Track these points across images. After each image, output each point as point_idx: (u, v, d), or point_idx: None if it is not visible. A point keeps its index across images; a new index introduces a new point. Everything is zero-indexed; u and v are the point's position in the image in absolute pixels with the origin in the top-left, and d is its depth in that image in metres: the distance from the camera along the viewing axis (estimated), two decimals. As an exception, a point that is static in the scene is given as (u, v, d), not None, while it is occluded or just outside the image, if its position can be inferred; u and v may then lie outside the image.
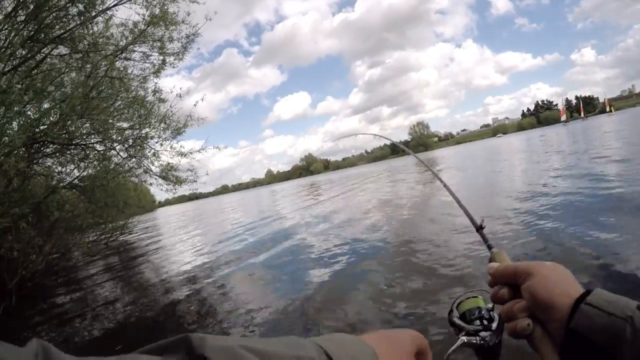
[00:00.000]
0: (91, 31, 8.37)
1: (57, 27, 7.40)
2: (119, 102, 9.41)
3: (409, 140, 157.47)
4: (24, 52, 7.05)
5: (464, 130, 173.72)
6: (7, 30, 6.53)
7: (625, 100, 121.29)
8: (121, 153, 10.08)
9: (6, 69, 6.58)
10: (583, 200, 6.95)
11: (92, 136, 9.08)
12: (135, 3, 8.70)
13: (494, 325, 0.82)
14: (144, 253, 13.13)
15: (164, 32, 9.57)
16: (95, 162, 9.90)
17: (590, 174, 9.45)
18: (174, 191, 11.48)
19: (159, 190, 11.84)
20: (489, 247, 0.85)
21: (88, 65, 8.07)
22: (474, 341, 0.82)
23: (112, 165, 10.22)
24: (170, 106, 10.32)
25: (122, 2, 8.52)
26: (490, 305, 0.87)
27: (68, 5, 7.16)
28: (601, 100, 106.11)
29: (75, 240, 11.75)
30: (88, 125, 8.44)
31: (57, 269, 10.31)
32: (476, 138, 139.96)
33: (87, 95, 7.43)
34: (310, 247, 7.96)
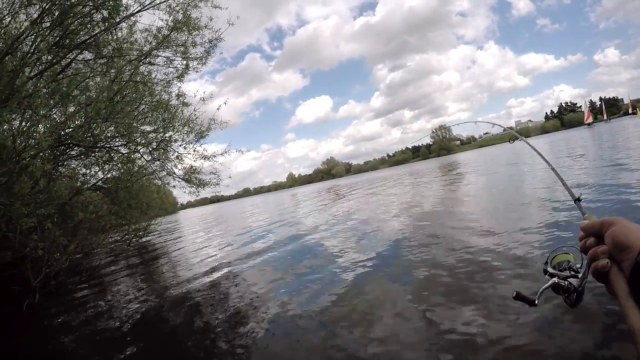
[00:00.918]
0: (115, 37, 8.58)
1: (82, 33, 7.59)
2: (143, 105, 9.62)
3: (431, 143, 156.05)
4: (49, 58, 7.25)
5: (486, 133, 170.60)
6: (33, 36, 6.74)
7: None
8: (145, 156, 10.27)
9: (32, 74, 6.79)
10: None
11: (117, 139, 9.26)
12: (158, 9, 8.89)
13: (580, 275, 1.03)
14: (165, 254, 13.32)
15: (187, 37, 9.75)
16: (119, 165, 10.11)
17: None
18: (196, 194, 11.63)
19: (181, 193, 12.00)
20: (583, 214, 1.06)
21: (112, 70, 8.27)
22: (563, 284, 1.04)
23: (136, 168, 10.41)
24: (194, 110, 10.49)
25: (146, 8, 8.71)
26: (577, 262, 1.10)
27: (92, 11, 7.35)
28: (625, 101, 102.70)
29: (98, 241, 11.97)
30: (112, 128, 8.61)
31: (81, 268, 10.52)
32: (499, 141, 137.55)
33: (112, 99, 7.60)
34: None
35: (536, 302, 1.06)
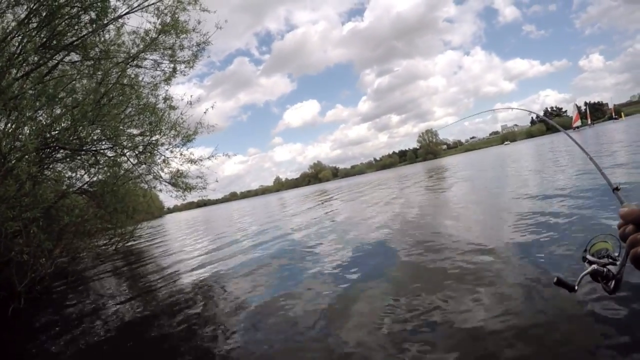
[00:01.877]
0: (103, 39, 8.51)
1: (69, 34, 7.51)
2: (130, 109, 9.54)
3: (418, 147, 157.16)
4: (36, 59, 7.16)
5: (472, 137, 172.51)
6: (20, 37, 6.66)
7: (636, 106, 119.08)
8: (131, 159, 10.17)
9: (19, 75, 6.70)
10: None
11: (103, 142, 9.17)
12: (146, 11, 8.84)
13: (618, 262, 1.05)
14: (152, 258, 13.18)
15: (175, 40, 9.69)
16: (105, 168, 10.01)
17: None
18: (183, 198, 11.53)
19: (168, 197, 11.88)
20: (621, 203, 1.06)
21: (99, 73, 8.19)
22: (602, 271, 1.07)
23: (122, 171, 10.32)
24: (181, 113, 10.43)
25: (134, 10, 8.65)
26: (615, 249, 1.14)
27: (80, 13, 7.28)
28: (610, 106, 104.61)
29: (84, 245, 11.82)
30: (99, 131, 8.52)
31: (66, 272, 10.37)
32: (485, 145, 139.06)
33: (99, 101, 7.54)
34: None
35: (576, 287, 1.11)
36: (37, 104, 6.42)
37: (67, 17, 7.14)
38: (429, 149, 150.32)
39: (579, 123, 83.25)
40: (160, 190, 11.68)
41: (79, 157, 9.50)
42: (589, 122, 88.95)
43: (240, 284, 6.80)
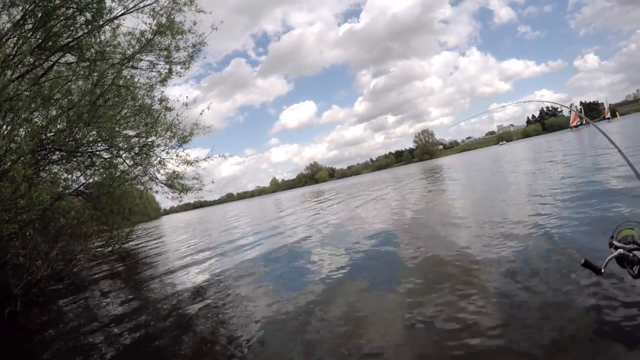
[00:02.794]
0: (98, 40, 8.44)
1: (64, 35, 7.47)
2: (126, 110, 9.50)
3: (414, 148, 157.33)
4: (31, 60, 7.12)
5: (469, 137, 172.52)
6: (15, 38, 6.62)
7: (631, 105, 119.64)
8: (127, 161, 10.14)
9: (14, 77, 6.66)
10: None
11: (99, 144, 9.12)
12: (142, 12, 8.80)
13: None
14: (148, 260, 13.16)
15: (171, 41, 9.66)
16: (101, 170, 9.94)
17: None
18: (179, 199, 11.50)
19: (164, 198, 11.86)
20: None
21: (95, 74, 8.15)
22: (627, 255, 1.15)
23: (118, 173, 10.26)
24: (177, 115, 10.40)
25: (130, 11, 8.61)
26: None
27: (76, 14, 7.24)
28: (605, 106, 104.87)
29: (80, 247, 11.77)
30: (95, 132, 8.47)
31: (63, 275, 10.33)
32: (481, 145, 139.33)
33: (94, 103, 7.50)
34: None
35: (602, 270, 1.15)
36: (33, 105, 6.37)
37: (62, 18, 7.10)
38: (425, 149, 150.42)
39: (577, 122, 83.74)
40: (157, 192, 11.65)
41: (74, 159, 9.44)
42: (584, 122, 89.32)
43: (238, 285, 6.80)
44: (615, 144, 1.67)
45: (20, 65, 6.87)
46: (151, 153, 10.35)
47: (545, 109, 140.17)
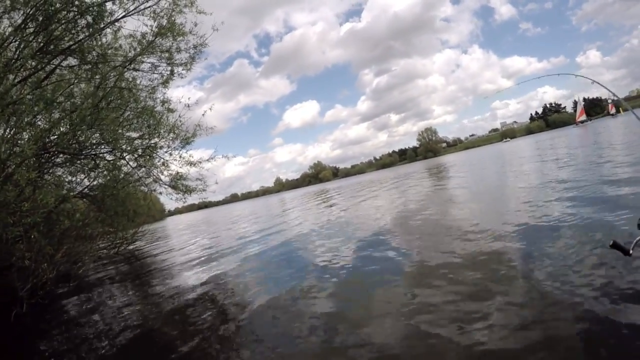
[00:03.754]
0: (100, 43, 8.47)
1: (66, 38, 7.49)
2: (128, 112, 9.52)
3: (417, 146, 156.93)
4: (33, 64, 7.15)
5: (472, 135, 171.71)
6: (17, 42, 6.65)
7: (634, 101, 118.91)
8: (131, 163, 10.17)
9: (16, 80, 6.69)
10: None
11: (102, 146, 9.15)
12: (143, 14, 8.82)
13: None
14: (153, 261, 13.21)
15: (172, 43, 9.66)
16: (105, 172, 9.98)
17: None
18: (183, 200, 11.55)
19: (168, 199, 11.90)
20: None
21: (97, 76, 8.16)
22: None
23: (122, 175, 10.28)
24: (180, 116, 10.42)
25: (130, 13, 8.63)
26: None
27: (77, 17, 7.26)
28: (609, 101, 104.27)
29: (85, 249, 11.82)
30: (98, 135, 8.50)
31: (68, 277, 10.38)
32: (484, 143, 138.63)
33: (97, 105, 7.52)
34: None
35: (631, 252, 1.15)
36: (36, 109, 6.41)
37: (63, 21, 7.12)
38: (429, 147, 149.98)
39: (583, 117, 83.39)
40: (161, 193, 11.71)
41: (78, 162, 9.49)
42: (588, 118, 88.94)
43: (245, 285, 6.82)
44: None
45: (22, 69, 6.90)
46: (154, 155, 10.40)
47: (548, 106, 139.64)
